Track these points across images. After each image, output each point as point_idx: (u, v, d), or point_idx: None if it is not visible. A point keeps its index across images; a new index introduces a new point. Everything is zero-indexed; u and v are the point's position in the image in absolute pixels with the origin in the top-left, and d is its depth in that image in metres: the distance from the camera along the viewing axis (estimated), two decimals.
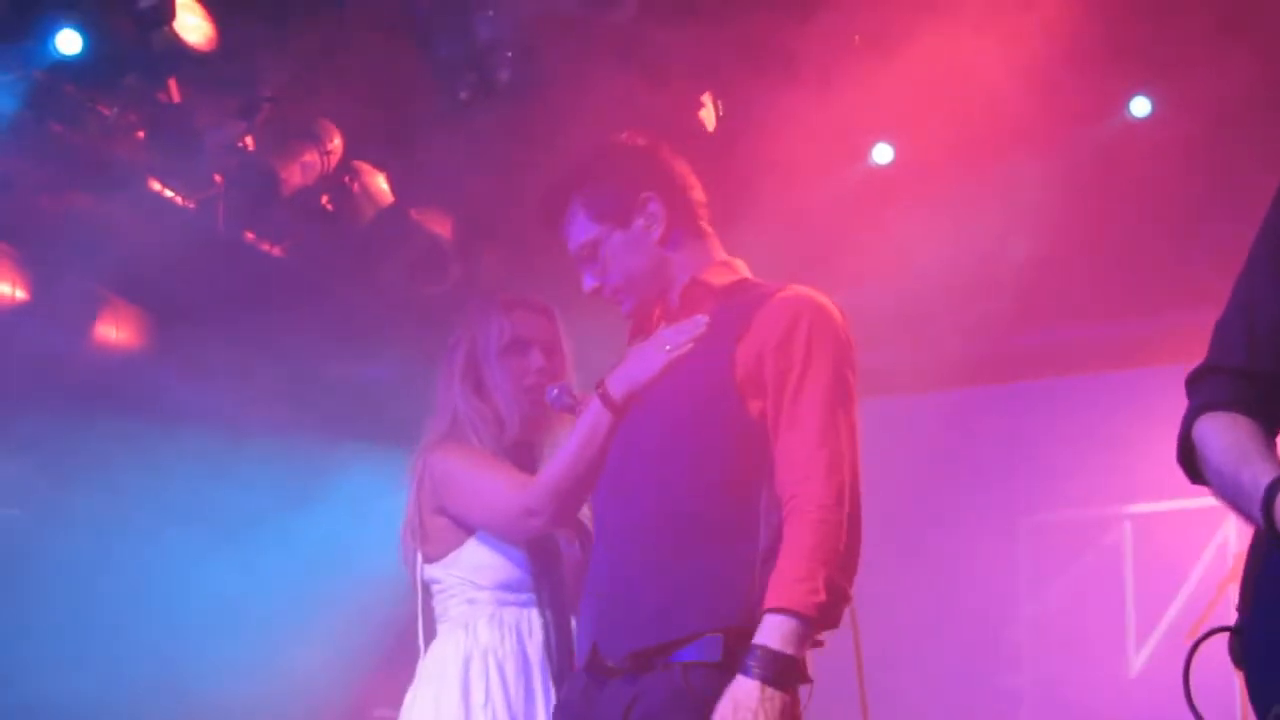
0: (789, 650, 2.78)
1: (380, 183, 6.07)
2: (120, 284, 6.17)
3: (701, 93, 5.87)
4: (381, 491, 4.11)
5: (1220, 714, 2.24)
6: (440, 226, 6.25)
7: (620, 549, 3.01)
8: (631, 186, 3.15)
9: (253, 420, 6.47)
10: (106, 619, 6.27)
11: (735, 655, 2.81)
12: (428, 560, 3.59)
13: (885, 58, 5.52)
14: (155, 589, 6.36)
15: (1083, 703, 7.05)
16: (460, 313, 3.77)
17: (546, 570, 3.52)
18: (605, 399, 3.15)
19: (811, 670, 2.87)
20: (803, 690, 2.86)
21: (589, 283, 3.20)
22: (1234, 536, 6.86)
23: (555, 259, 3.41)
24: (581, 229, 3.18)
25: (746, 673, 2.77)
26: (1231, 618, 2.23)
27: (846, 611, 2.91)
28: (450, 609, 3.57)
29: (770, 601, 2.81)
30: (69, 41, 4.96)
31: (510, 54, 5.46)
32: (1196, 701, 2.22)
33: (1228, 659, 2.22)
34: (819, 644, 2.89)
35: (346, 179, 5.93)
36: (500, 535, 3.52)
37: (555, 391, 3.49)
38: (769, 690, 2.76)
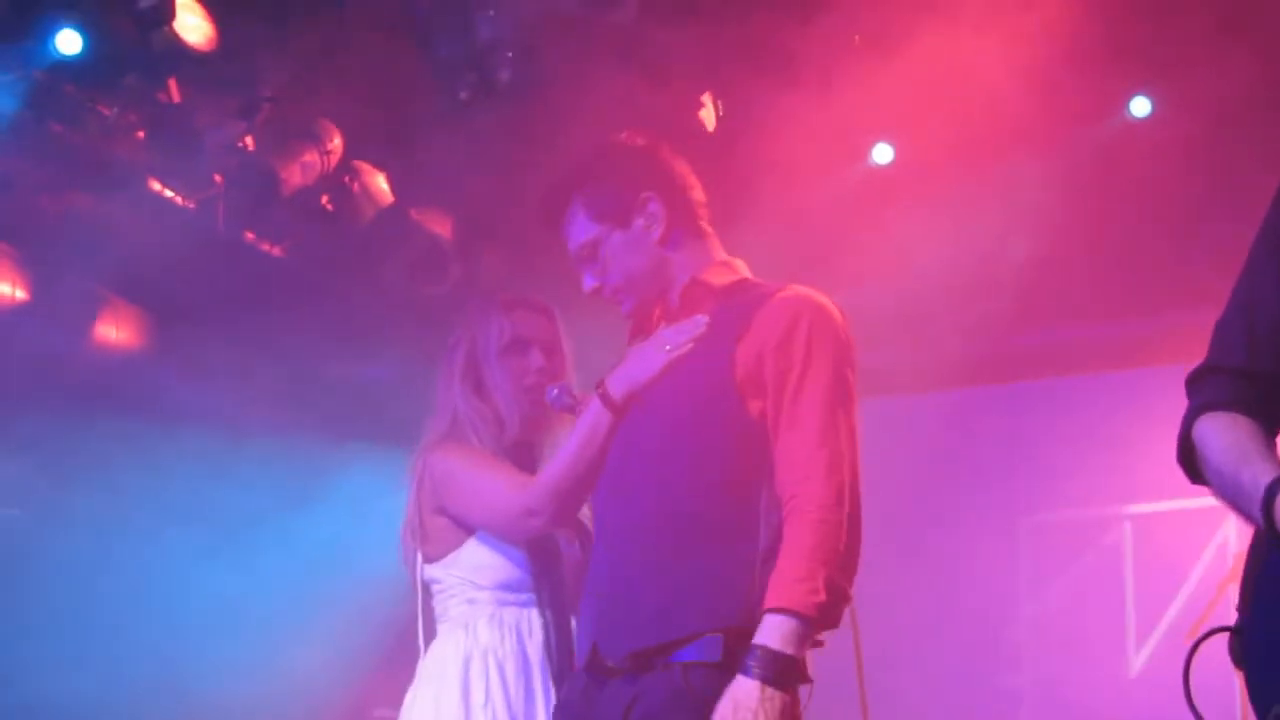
0: (789, 650, 2.78)
1: (380, 183, 6.07)
2: (120, 284, 6.17)
3: (701, 93, 5.87)
4: (381, 491, 4.11)
5: (1220, 714, 2.24)
6: (440, 226, 6.25)
7: (620, 549, 3.01)
8: (631, 186, 3.15)
9: (253, 420, 6.47)
10: (106, 619, 6.27)
11: (735, 655, 2.81)
12: (428, 560, 3.59)
13: (885, 58, 5.52)
14: (155, 589, 6.36)
15: (1083, 703, 7.04)
16: (460, 313, 3.77)
17: (546, 570, 3.52)
18: (605, 399, 3.15)
19: (811, 670, 2.87)
20: (803, 690, 2.85)
21: (589, 283, 3.20)
22: (1234, 536, 6.85)
23: (555, 259, 3.40)
24: (581, 229, 3.18)
25: (746, 673, 2.77)
26: (1231, 618, 2.23)
27: (846, 611, 2.91)
28: (450, 609, 3.56)
29: (770, 601, 2.81)
30: (69, 41, 4.96)
31: (510, 54, 5.46)
32: (1196, 701, 2.22)
33: (1228, 659, 2.22)
34: (819, 644, 2.88)
35: (346, 179, 5.93)
36: (500, 535, 3.51)
37: (555, 391, 3.49)
38: (769, 690, 2.76)
